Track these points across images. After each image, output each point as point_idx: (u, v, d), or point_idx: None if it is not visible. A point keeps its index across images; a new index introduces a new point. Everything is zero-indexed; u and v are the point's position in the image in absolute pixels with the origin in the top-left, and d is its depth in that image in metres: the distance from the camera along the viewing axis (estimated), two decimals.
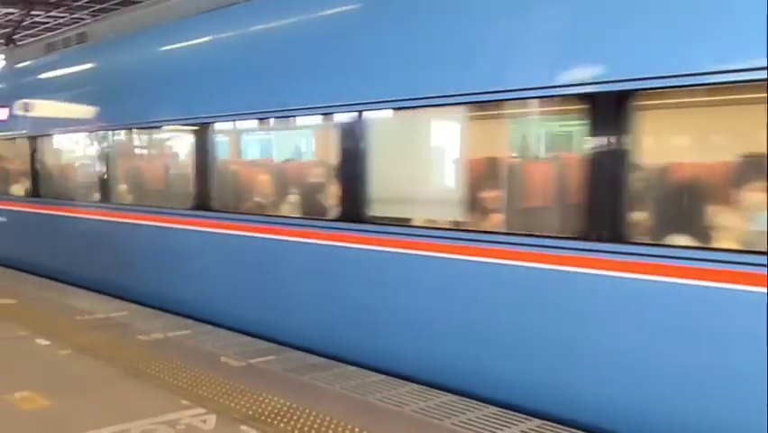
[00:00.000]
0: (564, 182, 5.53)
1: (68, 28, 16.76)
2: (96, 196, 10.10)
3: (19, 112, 12.15)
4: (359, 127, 6.23)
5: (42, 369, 6.31)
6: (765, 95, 4.01)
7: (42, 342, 7.15)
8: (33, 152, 11.67)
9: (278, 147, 9.46)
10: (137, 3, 11.48)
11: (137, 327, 7.75)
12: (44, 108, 11.50)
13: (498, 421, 4.99)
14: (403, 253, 5.97)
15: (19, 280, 11.14)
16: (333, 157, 6.62)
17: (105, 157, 9.93)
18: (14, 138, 12.41)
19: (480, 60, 5.46)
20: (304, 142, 9.10)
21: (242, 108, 7.57)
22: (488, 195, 5.87)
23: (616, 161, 4.63)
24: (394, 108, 6.12)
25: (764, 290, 4.05)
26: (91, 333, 7.53)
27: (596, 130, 4.72)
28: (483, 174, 6.02)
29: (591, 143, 4.75)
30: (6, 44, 13.09)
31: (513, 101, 5.33)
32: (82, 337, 7.31)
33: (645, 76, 4.49)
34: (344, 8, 6.66)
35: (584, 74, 4.84)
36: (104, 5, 22.45)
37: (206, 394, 5.53)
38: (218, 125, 7.98)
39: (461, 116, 5.83)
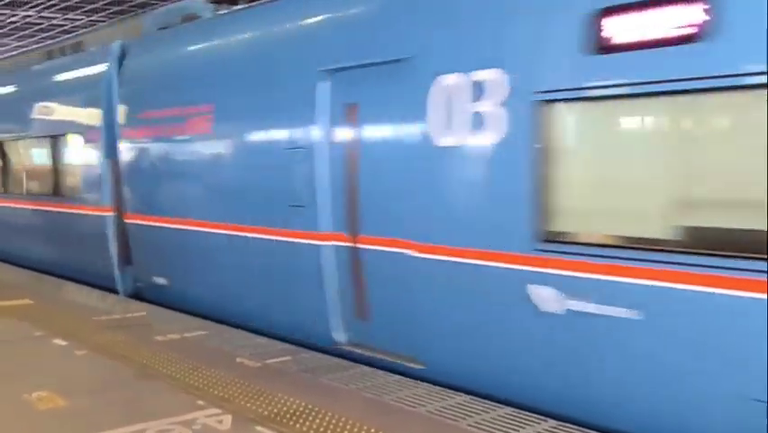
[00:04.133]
0: None
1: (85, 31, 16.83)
2: None
3: None
4: None
5: (59, 369, 6.35)
6: None
7: (59, 342, 7.19)
8: None
9: None
10: (154, 5, 11.30)
11: (154, 328, 7.78)
12: None
13: (513, 422, 4.97)
14: None
15: (35, 280, 11.21)
16: None
17: None
18: None
19: None
20: None
21: None
22: None
23: None
24: None
25: None
26: (108, 333, 7.57)
27: None
28: None
29: None
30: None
31: None
32: (99, 338, 7.35)
33: None
34: None
35: None
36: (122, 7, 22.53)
37: (223, 395, 5.55)
38: None
39: None
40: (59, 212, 11.50)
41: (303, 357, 6.60)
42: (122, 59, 10.13)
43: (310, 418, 5.06)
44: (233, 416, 5.08)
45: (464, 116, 5.58)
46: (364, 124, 6.48)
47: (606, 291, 4.74)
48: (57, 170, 11.60)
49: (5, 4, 23.30)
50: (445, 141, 5.73)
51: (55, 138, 11.53)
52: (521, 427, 4.89)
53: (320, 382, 5.89)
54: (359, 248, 6.50)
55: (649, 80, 4.55)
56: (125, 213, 9.83)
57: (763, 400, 4.11)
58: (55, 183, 11.64)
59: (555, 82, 5.04)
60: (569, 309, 4.92)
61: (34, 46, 23.40)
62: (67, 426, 4.90)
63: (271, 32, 7.96)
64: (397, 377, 5.98)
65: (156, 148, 9.29)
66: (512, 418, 5.06)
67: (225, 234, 8.07)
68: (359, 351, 6.63)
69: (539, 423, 4.95)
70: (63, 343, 7.17)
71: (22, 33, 27.09)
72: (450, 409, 5.22)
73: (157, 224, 9.24)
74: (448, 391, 5.63)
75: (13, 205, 13.21)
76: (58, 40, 17.31)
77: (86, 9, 23.31)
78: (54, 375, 6.12)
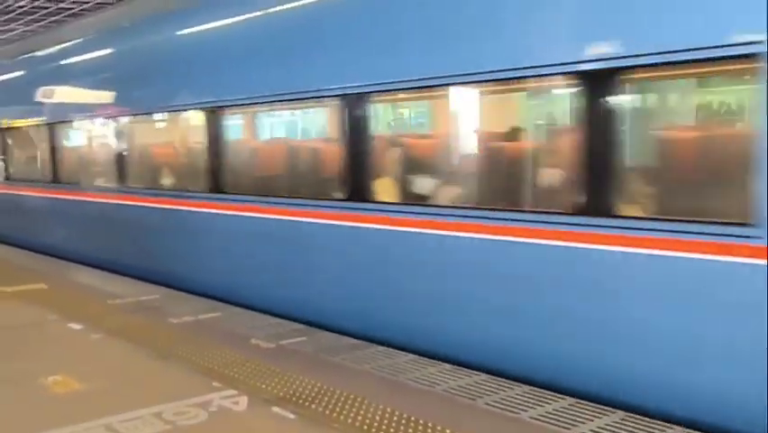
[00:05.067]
0: None
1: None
2: None
3: None
4: None
5: (75, 353, 6.36)
6: None
7: (74, 326, 7.20)
8: None
9: None
10: None
11: (168, 310, 7.78)
12: None
13: (530, 400, 4.94)
14: None
15: (48, 264, 11.23)
16: None
17: None
18: None
19: None
20: None
21: None
22: None
23: None
24: None
25: None
26: (122, 316, 7.57)
27: None
28: None
29: None
30: None
31: None
32: (113, 321, 7.35)
33: None
34: None
35: None
36: None
37: (238, 376, 5.54)
38: None
39: None
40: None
41: (317, 338, 6.58)
42: None
43: (326, 398, 5.04)
44: (248, 397, 5.07)
45: None
46: None
47: None
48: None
49: None
50: None
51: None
52: (539, 405, 4.86)
53: (335, 363, 5.87)
54: None
55: None
56: None
57: None
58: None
59: None
60: None
61: (42, 30, 23.38)
62: (83, 409, 4.90)
63: None
64: (412, 356, 5.96)
65: None
66: (529, 396, 5.03)
67: None
68: None
69: (557, 400, 4.92)
70: (78, 326, 7.17)
71: (29, 18, 27.04)
72: (466, 388, 5.19)
73: None
74: (464, 369, 5.60)
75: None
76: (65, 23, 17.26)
77: None
78: (70, 359, 6.13)
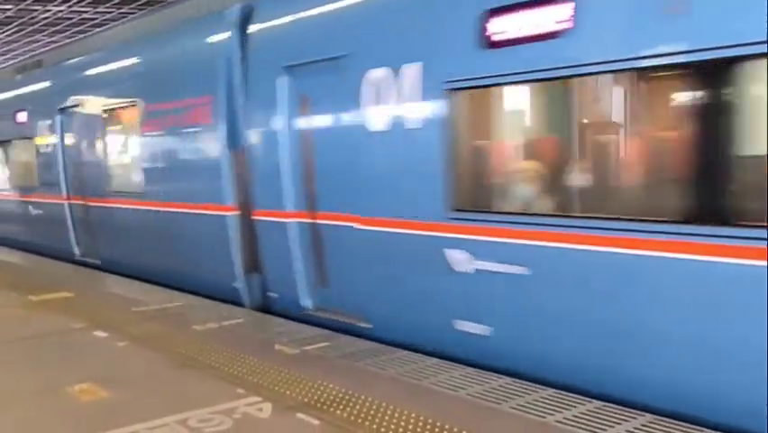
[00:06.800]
0: None
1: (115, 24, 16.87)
2: None
3: None
4: None
5: (101, 361, 6.40)
6: None
7: (100, 334, 7.25)
8: None
9: None
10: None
11: (191, 318, 7.81)
12: None
13: (556, 403, 4.90)
14: None
15: (75, 273, 11.32)
16: None
17: None
18: None
19: None
20: None
21: None
22: None
23: None
24: None
25: None
26: (147, 324, 7.61)
27: None
28: None
29: None
30: None
31: None
32: (138, 329, 7.39)
33: None
34: None
35: None
36: None
37: (262, 382, 5.54)
38: None
39: None
40: None
41: (341, 343, 6.57)
42: None
43: (350, 404, 5.03)
44: (272, 404, 5.07)
45: None
46: None
47: None
48: None
49: (37, 0, 23.54)
50: None
51: None
52: (565, 408, 4.82)
53: (359, 368, 5.86)
54: None
55: None
56: None
57: None
58: None
59: None
60: None
61: (66, 41, 23.63)
62: (109, 417, 4.93)
63: None
64: (435, 361, 5.94)
65: None
66: (554, 399, 4.99)
67: None
68: None
69: (583, 404, 4.88)
70: (103, 334, 7.22)
71: (54, 29, 27.36)
72: (491, 393, 5.16)
73: None
74: (488, 373, 5.57)
75: None
76: (89, 34, 17.44)
77: (116, 2, 23.49)
78: (96, 367, 6.17)
